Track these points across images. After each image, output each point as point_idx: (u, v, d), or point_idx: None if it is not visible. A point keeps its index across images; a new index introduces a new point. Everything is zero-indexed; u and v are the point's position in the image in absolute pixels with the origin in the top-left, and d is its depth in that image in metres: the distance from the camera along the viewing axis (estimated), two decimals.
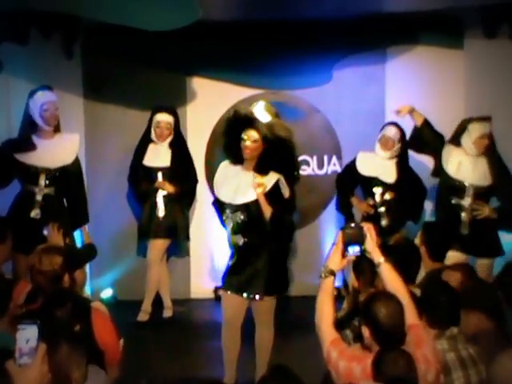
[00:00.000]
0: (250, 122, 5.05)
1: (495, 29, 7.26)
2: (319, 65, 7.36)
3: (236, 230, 5.01)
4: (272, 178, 5.03)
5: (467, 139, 6.27)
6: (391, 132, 6.52)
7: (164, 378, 5.30)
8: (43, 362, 2.32)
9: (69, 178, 6.23)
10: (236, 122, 5.11)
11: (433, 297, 3.66)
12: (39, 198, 6.10)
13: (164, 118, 6.73)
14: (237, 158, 5.12)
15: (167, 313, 6.87)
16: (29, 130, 6.11)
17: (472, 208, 6.24)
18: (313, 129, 7.54)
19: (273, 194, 5.00)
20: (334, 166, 7.54)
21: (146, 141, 6.80)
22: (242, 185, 5.03)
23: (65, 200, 6.29)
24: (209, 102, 7.33)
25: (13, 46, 6.85)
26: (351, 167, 6.73)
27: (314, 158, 7.58)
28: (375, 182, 6.58)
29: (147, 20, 6.01)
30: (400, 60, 7.45)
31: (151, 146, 6.81)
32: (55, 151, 6.15)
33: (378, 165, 6.57)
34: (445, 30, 7.37)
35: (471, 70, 7.36)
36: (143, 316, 6.73)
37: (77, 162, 6.30)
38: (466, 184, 6.27)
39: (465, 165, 6.29)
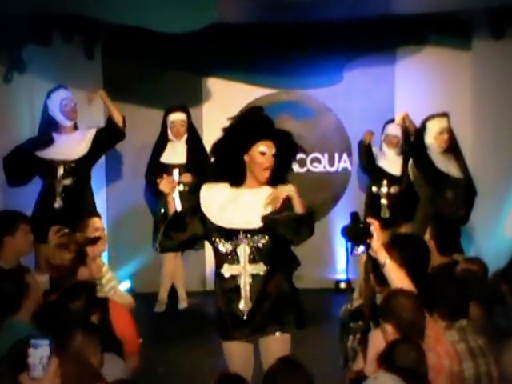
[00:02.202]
0: (266, 129, 4.05)
1: (503, 30, 7.30)
2: (330, 65, 7.49)
3: (256, 258, 4.01)
4: (284, 191, 4.07)
5: (429, 137, 6.37)
6: (393, 129, 6.76)
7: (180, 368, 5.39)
8: (55, 375, 2.31)
9: (86, 169, 6.49)
10: (248, 130, 4.05)
11: (442, 290, 3.67)
12: (59, 189, 6.37)
13: (177, 116, 6.91)
14: (239, 179, 4.07)
15: (182, 304, 7.04)
16: (48, 129, 6.41)
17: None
18: (324, 127, 7.69)
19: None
20: (344, 163, 7.70)
21: (163, 140, 6.98)
22: (255, 204, 4.02)
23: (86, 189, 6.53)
24: (224, 101, 7.43)
25: (36, 47, 7.01)
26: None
27: (325, 155, 7.74)
28: (383, 172, 6.85)
29: (165, 23, 6.17)
30: (409, 61, 7.54)
31: (169, 145, 7.00)
32: (72, 145, 6.43)
33: (387, 159, 6.89)
34: (453, 31, 7.44)
35: (479, 70, 7.42)
36: (160, 307, 6.92)
37: (93, 149, 6.51)
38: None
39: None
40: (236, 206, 4.03)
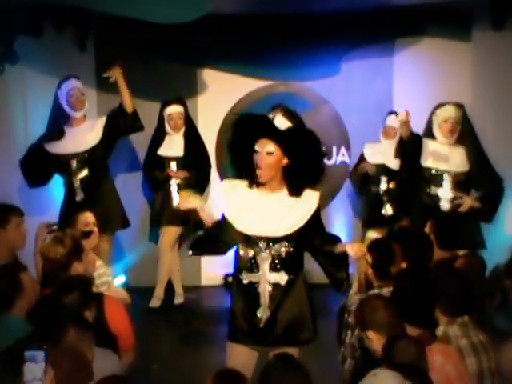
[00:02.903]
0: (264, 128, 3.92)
1: (503, 21, 7.26)
2: (328, 57, 7.44)
3: (278, 267, 3.90)
4: (311, 199, 3.98)
5: (435, 126, 6.26)
6: (391, 121, 6.70)
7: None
8: None
9: (98, 158, 6.45)
10: (247, 129, 3.96)
11: (444, 285, 3.65)
12: (77, 183, 6.35)
13: (175, 109, 6.85)
14: (251, 179, 3.96)
15: (178, 299, 7.00)
16: (59, 121, 6.38)
17: (454, 198, 6.21)
18: (321, 120, 7.60)
19: (315, 221, 3.98)
20: (342, 157, 7.65)
21: (160, 134, 6.91)
22: (278, 211, 3.92)
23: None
24: (219, 93, 7.41)
25: (27, 38, 6.90)
26: (362, 157, 6.92)
27: (323, 148, 7.64)
28: (382, 169, 6.74)
29: (158, 13, 6.09)
30: (408, 52, 7.50)
31: (167, 138, 6.93)
32: (82, 136, 6.40)
33: (384, 152, 6.77)
34: (453, 22, 7.40)
35: (479, 62, 7.39)
36: (155, 302, 6.85)
37: (104, 139, 6.49)
38: (444, 172, 6.22)
39: (440, 153, 6.25)
40: (258, 211, 3.92)
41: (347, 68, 7.55)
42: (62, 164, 6.38)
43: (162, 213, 6.90)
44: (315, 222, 3.96)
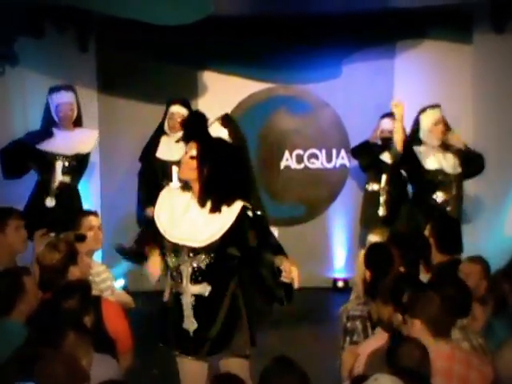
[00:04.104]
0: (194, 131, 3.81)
1: (504, 23, 7.26)
2: (328, 59, 7.42)
3: (199, 278, 3.70)
4: (234, 209, 3.71)
5: (424, 131, 6.25)
6: (387, 124, 6.68)
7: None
8: None
9: (84, 168, 6.42)
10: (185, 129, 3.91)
11: (443, 289, 3.59)
12: (55, 185, 6.27)
13: (177, 109, 6.75)
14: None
15: None
16: (49, 123, 6.33)
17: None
18: (322, 122, 7.62)
19: (237, 232, 3.70)
20: (342, 160, 7.62)
21: (159, 133, 6.83)
22: (200, 219, 3.72)
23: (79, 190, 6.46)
24: (220, 95, 7.38)
25: (28, 39, 6.91)
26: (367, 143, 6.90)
27: (323, 151, 7.65)
28: (384, 166, 6.72)
29: (160, 15, 6.08)
30: (409, 54, 7.48)
31: (164, 139, 6.88)
32: (72, 141, 6.36)
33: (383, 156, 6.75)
34: (454, 24, 7.38)
35: (480, 64, 7.37)
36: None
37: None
38: (445, 174, 6.22)
39: (437, 157, 6.26)
40: (184, 219, 3.73)
41: (348, 70, 7.53)
42: (45, 162, 6.28)
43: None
44: (238, 233, 3.67)
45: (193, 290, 3.70)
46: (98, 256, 6.07)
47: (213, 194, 3.69)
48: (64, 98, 6.31)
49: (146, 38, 7.16)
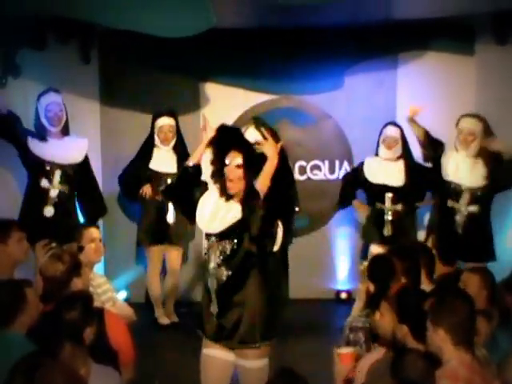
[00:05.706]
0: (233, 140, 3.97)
1: (506, 35, 7.26)
2: (331, 71, 7.43)
3: (220, 263, 3.99)
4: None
5: (457, 138, 6.28)
6: (391, 131, 6.61)
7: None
8: None
9: (81, 177, 6.44)
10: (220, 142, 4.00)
11: (445, 300, 3.58)
12: (53, 194, 6.26)
13: (166, 121, 6.76)
14: (223, 188, 4.01)
15: (163, 320, 6.83)
16: (40, 134, 6.30)
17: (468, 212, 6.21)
18: (324, 134, 7.61)
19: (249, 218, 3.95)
20: (345, 171, 7.58)
21: (149, 147, 6.81)
22: (220, 208, 4.01)
23: (76, 200, 6.47)
24: (222, 106, 7.38)
25: (31, 51, 6.92)
26: (358, 171, 6.80)
27: (326, 162, 7.64)
28: (385, 187, 6.60)
29: (162, 27, 6.09)
30: (411, 66, 7.48)
31: (156, 151, 6.83)
32: (65, 150, 6.36)
33: (386, 169, 6.61)
34: (456, 36, 7.39)
35: (482, 76, 7.36)
36: (163, 319, 6.81)
37: (87, 160, 6.53)
38: (463, 187, 6.23)
39: (462, 167, 6.26)
40: (209, 209, 4.02)
41: (350, 82, 7.53)
42: (43, 170, 6.25)
43: (158, 230, 6.77)
44: (250, 220, 3.90)
45: (216, 273, 3.97)
46: (100, 268, 6.07)
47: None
48: (52, 97, 6.32)
49: (149, 50, 7.18)
